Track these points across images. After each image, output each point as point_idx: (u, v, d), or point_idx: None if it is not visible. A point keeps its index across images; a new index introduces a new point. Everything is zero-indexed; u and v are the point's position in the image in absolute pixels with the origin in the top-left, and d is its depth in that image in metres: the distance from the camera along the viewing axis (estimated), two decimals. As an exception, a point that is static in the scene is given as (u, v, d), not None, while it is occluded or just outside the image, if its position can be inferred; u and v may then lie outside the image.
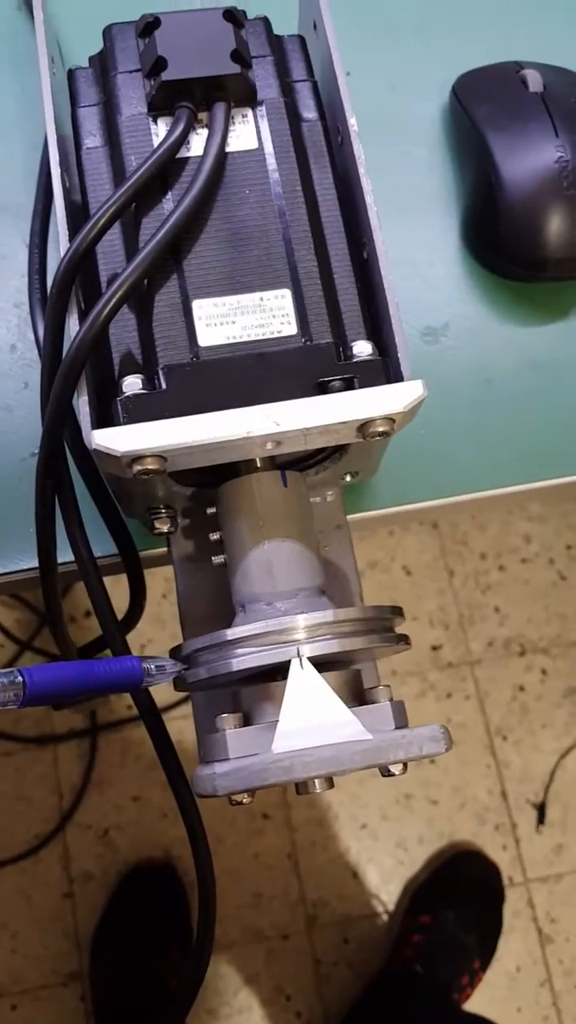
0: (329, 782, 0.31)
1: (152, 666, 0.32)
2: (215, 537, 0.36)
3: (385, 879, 1.10)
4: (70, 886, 1.07)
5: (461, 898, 1.06)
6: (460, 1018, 0.98)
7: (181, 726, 1.00)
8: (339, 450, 0.37)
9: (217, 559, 0.36)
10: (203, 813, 0.36)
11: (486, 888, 1.08)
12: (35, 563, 0.40)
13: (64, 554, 0.37)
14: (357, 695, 0.33)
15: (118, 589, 0.39)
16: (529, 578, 1.20)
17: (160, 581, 1.03)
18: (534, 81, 0.44)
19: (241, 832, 1.09)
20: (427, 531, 1.20)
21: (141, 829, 1.09)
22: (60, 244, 0.33)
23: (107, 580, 0.37)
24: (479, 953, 1.04)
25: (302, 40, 0.38)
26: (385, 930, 1.08)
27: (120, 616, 0.38)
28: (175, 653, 0.34)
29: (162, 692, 0.36)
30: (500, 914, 1.08)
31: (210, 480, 0.37)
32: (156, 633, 1.08)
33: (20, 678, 0.27)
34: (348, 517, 0.42)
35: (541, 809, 1.12)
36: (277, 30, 0.38)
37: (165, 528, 0.39)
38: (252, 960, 1.06)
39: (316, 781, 0.30)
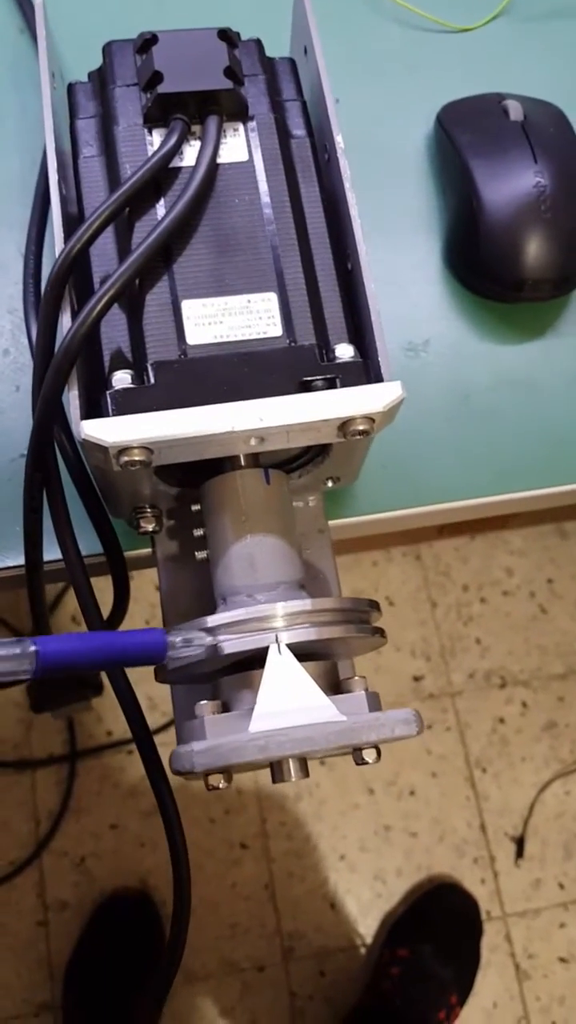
0: (304, 769, 0.32)
1: (178, 639, 0.31)
2: (199, 533, 0.37)
3: (363, 912, 1.09)
4: (45, 914, 1.06)
5: (439, 932, 1.06)
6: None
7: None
8: (321, 453, 0.38)
9: (200, 555, 0.37)
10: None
11: (464, 922, 1.08)
12: (21, 560, 0.41)
13: (50, 553, 0.38)
14: (333, 686, 0.34)
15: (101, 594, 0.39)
16: (510, 611, 1.21)
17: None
18: (515, 111, 0.46)
19: (219, 861, 1.08)
20: (410, 562, 1.22)
21: (118, 858, 1.08)
22: (56, 246, 0.34)
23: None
24: (456, 988, 1.04)
25: (293, 63, 0.40)
26: (362, 963, 1.07)
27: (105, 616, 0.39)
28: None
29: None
30: (478, 948, 1.07)
31: (195, 480, 0.38)
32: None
33: (33, 647, 0.27)
34: (329, 523, 0.43)
35: (520, 843, 1.12)
36: (269, 53, 0.40)
37: (150, 527, 0.39)
38: (227, 992, 1.05)
39: (292, 766, 0.31)
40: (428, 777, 1.14)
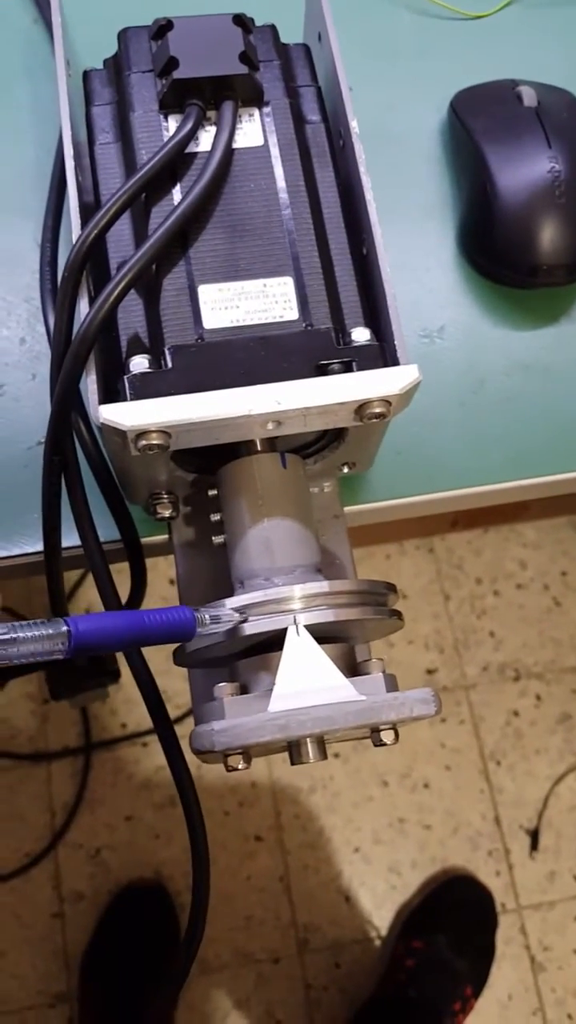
0: (323, 750, 0.32)
1: (207, 615, 0.31)
2: (216, 518, 0.38)
3: (377, 904, 1.09)
4: (60, 906, 1.06)
5: (454, 923, 1.06)
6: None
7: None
8: (337, 438, 0.38)
9: (217, 540, 0.37)
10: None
11: (479, 914, 1.08)
12: (39, 547, 0.41)
13: (68, 539, 0.39)
14: (351, 668, 0.34)
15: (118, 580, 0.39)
16: (524, 603, 1.21)
17: (169, 566, 1.05)
18: (528, 97, 0.46)
19: (234, 854, 1.08)
20: (423, 555, 1.21)
21: (133, 849, 1.08)
22: (72, 232, 0.34)
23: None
24: (471, 979, 1.04)
25: (307, 49, 0.40)
26: (377, 955, 1.07)
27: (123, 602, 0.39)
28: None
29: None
30: (493, 940, 1.07)
31: (211, 465, 0.38)
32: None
33: (65, 627, 0.27)
34: (344, 509, 0.43)
35: (534, 835, 1.12)
36: (283, 40, 0.40)
37: (167, 513, 0.40)
38: (242, 984, 1.05)
39: (310, 747, 0.31)
40: (442, 770, 1.14)
